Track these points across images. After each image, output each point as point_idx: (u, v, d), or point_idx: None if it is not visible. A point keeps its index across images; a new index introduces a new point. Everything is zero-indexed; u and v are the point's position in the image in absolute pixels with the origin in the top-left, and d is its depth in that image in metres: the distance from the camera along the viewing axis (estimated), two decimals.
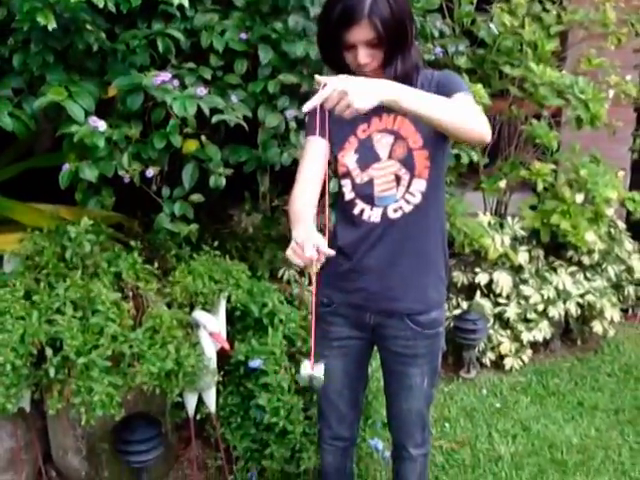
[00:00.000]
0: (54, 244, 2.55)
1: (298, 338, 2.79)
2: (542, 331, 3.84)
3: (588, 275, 4.02)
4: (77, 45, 2.33)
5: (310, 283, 3.31)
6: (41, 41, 2.32)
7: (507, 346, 3.82)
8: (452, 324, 3.75)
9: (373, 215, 2.01)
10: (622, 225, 4.28)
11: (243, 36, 2.62)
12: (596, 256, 4.00)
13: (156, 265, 2.67)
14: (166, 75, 2.31)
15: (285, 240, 3.51)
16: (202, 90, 2.37)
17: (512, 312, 3.80)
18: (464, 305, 3.83)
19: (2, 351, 2.26)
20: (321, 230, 1.81)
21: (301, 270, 3.44)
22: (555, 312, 3.83)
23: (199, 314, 2.56)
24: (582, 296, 3.92)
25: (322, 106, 2.07)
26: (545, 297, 3.82)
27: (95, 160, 2.36)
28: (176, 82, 2.41)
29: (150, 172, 2.43)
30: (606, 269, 4.09)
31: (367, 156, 1.99)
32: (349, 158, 2.01)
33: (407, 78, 1.90)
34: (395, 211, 2.00)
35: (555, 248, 4.06)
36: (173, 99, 2.30)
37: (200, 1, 2.63)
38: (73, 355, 2.29)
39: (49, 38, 2.31)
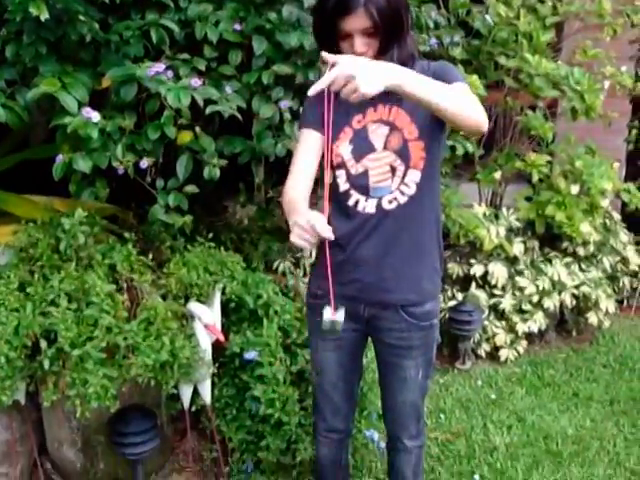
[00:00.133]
0: (48, 236, 2.54)
1: (293, 329, 2.79)
2: (537, 322, 3.85)
3: (583, 266, 4.03)
4: (70, 36, 2.32)
5: (305, 274, 3.31)
6: (34, 32, 2.31)
7: (502, 337, 3.83)
8: (447, 315, 3.76)
9: (368, 206, 2.01)
10: (617, 216, 4.29)
11: (237, 27, 2.60)
12: (591, 247, 4.01)
13: (151, 257, 2.66)
14: (160, 66, 2.30)
15: (280, 231, 3.51)
16: (196, 81, 2.36)
17: (507, 303, 3.81)
18: (459, 296, 3.83)
19: None
20: None
21: (296, 262, 3.44)
22: (550, 303, 3.84)
23: (194, 306, 2.56)
24: (577, 287, 3.93)
25: (320, 95, 2.08)
26: (540, 288, 3.82)
27: (89, 151, 2.34)
28: (170, 73, 2.40)
29: (144, 163, 2.42)
30: (601, 260, 4.10)
31: (362, 147, 1.99)
32: (344, 148, 2.00)
33: (404, 67, 1.90)
34: (390, 202, 1.99)
35: (550, 239, 4.07)
36: (167, 90, 2.29)
37: None
38: (67, 347, 2.29)
39: (42, 29, 2.30)
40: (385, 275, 2.05)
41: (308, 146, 2.02)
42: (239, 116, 2.49)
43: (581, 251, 4.00)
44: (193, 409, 2.75)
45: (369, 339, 2.25)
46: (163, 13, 2.54)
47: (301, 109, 2.60)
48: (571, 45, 4.02)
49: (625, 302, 4.56)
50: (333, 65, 1.67)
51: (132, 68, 2.35)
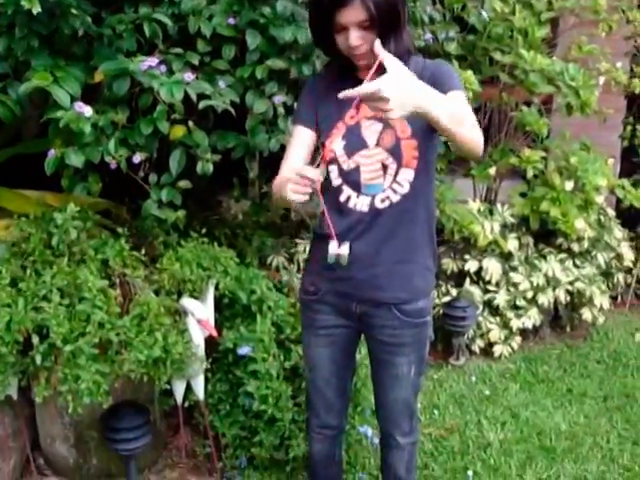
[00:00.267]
0: (40, 231, 2.53)
1: (287, 325, 2.78)
2: (531, 318, 3.85)
3: (577, 262, 4.03)
4: (63, 30, 2.30)
5: (299, 270, 3.30)
6: (26, 25, 2.29)
7: (496, 333, 3.83)
8: (441, 311, 3.76)
9: (359, 204, 2.00)
10: (612, 212, 4.29)
11: (231, 21, 2.59)
12: (586, 243, 4.00)
13: (143, 252, 2.65)
14: (153, 60, 2.29)
15: (274, 227, 3.51)
16: (189, 75, 2.35)
17: (501, 299, 3.80)
18: (453, 292, 3.83)
19: None
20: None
21: (290, 257, 3.44)
22: (544, 299, 3.84)
23: (187, 301, 2.55)
24: (571, 283, 3.92)
25: (313, 92, 2.07)
26: (534, 284, 3.82)
27: (81, 146, 2.33)
28: (163, 67, 2.39)
29: (137, 158, 2.41)
30: (595, 256, 4.09)
31: (354, 143, 1.98)
32: (336, 144, 1.99)
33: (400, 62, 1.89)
34: (382, 201, 1.98)
35: (545, 235, 4.06)
36: (160, 84, 2.28)
37: None
38: (60, 343, 2.28)
39: (34, 22, 2.28)
40: (377, 273, 2.04)
41: (300, 141, 2.03)
42: (232, 111, 2.48)
43: (575, 247, 4.00)
44: (186, 405, 2.74)
45: (362, 335, 2.24)
46: (156, 7, 2.52)
47: (295, 104, 2.59)
48: (566, 41, 4.02)
49: (619, 298, 4.56)
50: (376, 73, 1.65)
51: (125, 62, 2.33)
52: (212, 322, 2.62)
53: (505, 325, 3.84)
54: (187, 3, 2.56)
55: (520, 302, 3.83)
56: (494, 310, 3.84)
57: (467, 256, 3.85)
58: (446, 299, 3.79)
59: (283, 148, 2.48)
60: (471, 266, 3.82)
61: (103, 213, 2.87)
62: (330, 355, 2.22)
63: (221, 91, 2.48)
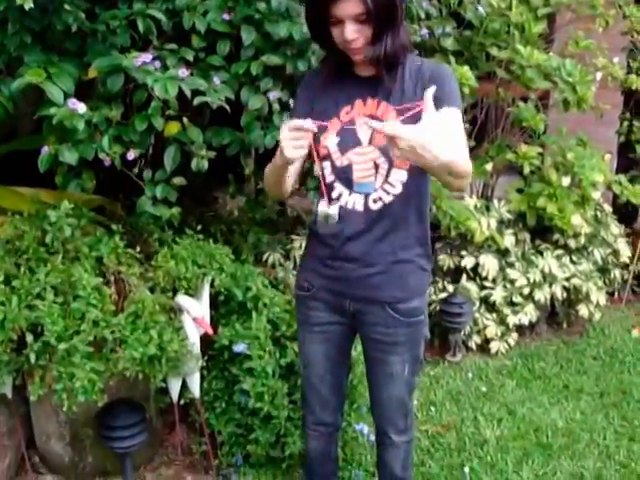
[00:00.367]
0: (34, 228, 2.51)
1: (282, 322, 2.77)
2: (528, 314, 3.84)
3: (574, 258, 4.02)
4: (55, 25, 2.28)
5: (295, 267, 3.29)
6: (18, 21, 2.27)
7: (493, 330, 3.82)
8: (438, 307, 3.75)
9: (351, 202, 1.99)
10: (608, 208, 4.28)
11: (226, 17, 2.57)
12: (582, 239, 3.99)
13: (138, 249, 2.64)
14: (147, 56, 2.27)
15: (270, 223, 3.49)
16: (184, 72, 2.33)
17: (498, 295, 3.79)
18: (450, 288, 3.82)
19: None
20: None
21: (286, 254, 3.42)
22: (541, 295, 3.83)
23: (182, 299, 2.54)
24: (568, 279, 3.92)
25: (310, 87, 2.05)
26: (531, 280, 3.81)
27: (75, 143, 2.31)
28: (157, 63, 2.37)
29: (131, 155, 2.39)
30: (592, 252, 4.09)
31: (348, 140, 1.96)
32: (330, 140, 1.98)
33: (394, 58, 1.88)
34: (375, 202, 1.97)
35: (541, 231, 4.05)
36: (154, 81, 2.26)
37: None
38: (54, 341, 2.26)
39: (26, 18, 2.26)
40: (371, 272, 2.03)
41: None
42: (227, 107, 2.47)
43: (572, 243, 3.99)
44: (182, 402, 2.74)
45: (357, 333, 2.23)
46: (151, 3, 2.50)
47: (291, 100, 2.58)
48: (563, 36, 4.00)
49: (616, 294, 4.56)
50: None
51: (118, 58, 2.31)
52: (207, 320, 2.61)
53: (502, 321, 3.83)
54: None
55: (516, 298, 3.82)
56: (490, 306, 3.83)
57: (464, 252, 3.84)
58: (443, 295, 3.78)
59: (278, 144, 2.47)
60: (468, 262, 3.81)
61: (97, 210, 2.85)
62: (324, 352, 2.21)
63: (216, 87, 2.46)
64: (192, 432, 2.98)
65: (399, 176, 1.94)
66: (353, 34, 1.83)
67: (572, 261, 4.01)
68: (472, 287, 3.81)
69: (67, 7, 2.22)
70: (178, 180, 2.55)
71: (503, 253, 3.89)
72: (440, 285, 3.84)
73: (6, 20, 2.29)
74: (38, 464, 2.84)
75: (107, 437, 2.58)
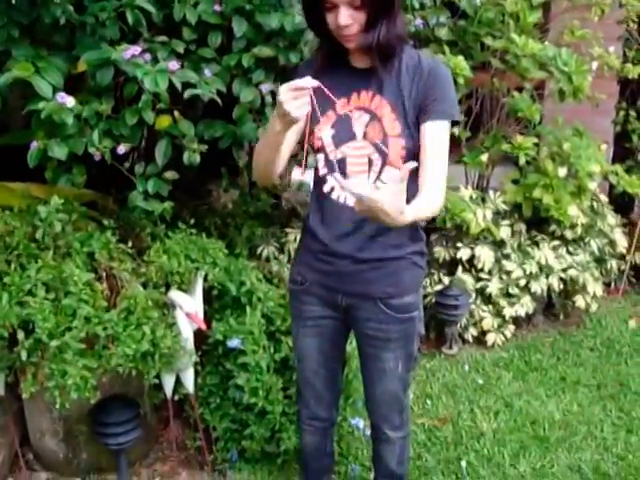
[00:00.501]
0: (25, 224, 2.48)
1: (277, 317, 2.75)
2: (524, 306, 3.83)
3: (570, 249, 4.00)
4: (44, 18, 2.25)
5: (289, 260, 3.27)
6: (5, 14, 2.23)
7: (489, 322, 3.80)
8: (434, 300, 3.73)
9: (342, 196, 1.97)
10: (605, 199, 4.25)
11: (217, 8, 2.54)
12: (579, 230, 3.97)
13: (130, 244, 2.61)
14: (136, 49, 2.24)
15: (264, 216, 3.47)
16: (174, 64, 2.30)
17: (494, 287, 3.77)
18: (446, 280, 3.80)
19: None
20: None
21: (281, 247, 3.40)
22: (537, 287, 3.81)
23: (175, 294, 2.51)
24: (564, 270, 3.90)
25: (303, 74, 2.01)
26: (527, 272, 3.79)
27: (64, 137, 2.28)
28: (148, 56, 2.34)
29: (121, 149, 2.37)
30: (589, 243, 4.07)
31: (343, 133, 1.94)
32: (325, 132, 1.95)
33: (390, 48, 1.85)
34: None
35: (537, 222, 4.03)
36: (144, 74, 2.23)
37: None
38: (45, 338, 2.23)
39: (14, 11, 2.22)
40: (364, 268, 2.01)
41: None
42: (218, 100, 2.44)
43: (568, 234, 3.97)
44: (176, 398, 2.71)
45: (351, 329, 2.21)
46: None
47: None
48: (558, 26, 3.97)
49: (612, 284, 4.54)
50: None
51: (107, 51, 2.28)
52: (201, 315, 2.59)
53: (498, 313, 3.82)
54: None
55: (513, 290, 3.80)
56: (487, 298, 3.81)
57: (459, 244, 3.81)
58: (438, 287, 3.75)
59: None
60: (463, 254, 3.79)
61: (89, 204, 2.82)
62: (318, 346, 2.19)
63: (207, 80, 2.43)
64: (187, 427, 2.97)
65: (392, 174, 1.90)
66: (347, 19, 1.79)
67: (568, 252, 3.99)
68: (468, 279, 3.79)
69: (55, 0, 2.18)
70: (170, 174, 2.52)
71: (499, 244, 3.87)
72: (436, 277, 3.82)
73: None
74: (32, 461, 2.83)
75: (101, 433, 2.56)
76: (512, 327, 3.89)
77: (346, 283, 2.05)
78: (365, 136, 1.92)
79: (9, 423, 2.69)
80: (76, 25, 2.38)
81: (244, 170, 3.25)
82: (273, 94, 2.60)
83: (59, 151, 2.28)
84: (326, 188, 1.99)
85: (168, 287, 2.56)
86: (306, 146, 1.82)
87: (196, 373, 2.69)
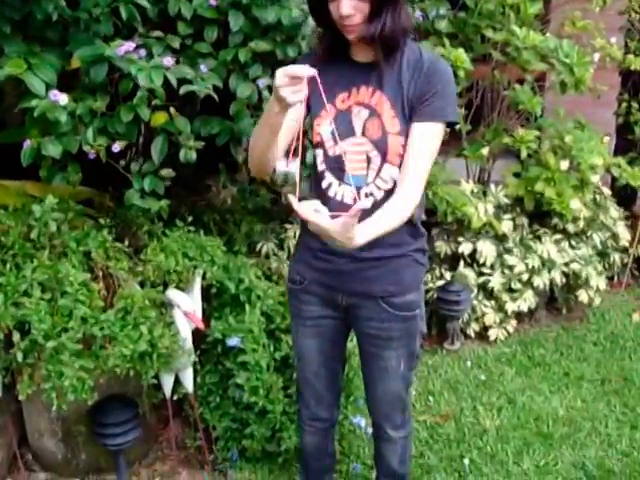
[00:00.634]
0: (20, 223, 2.45)
1: (277, 314, 2.73)
2: (527, 301, 3.79)
3: (573, 243, 3.97)
4: (36, 14, 2.21)
5: (289, 256, 3.23)
6: None
7: (491, 317, 3.77)
8: (435, 295, 3.69)
9: (340, 193, 1.93)
10: (607, 191, 4.21)
11: (212, 2, 2.50)
12: (581, 223, 3.93)
13: (127, 243, 2.58)
14: (130, 45, 2.20)
15: (263, 212, 3.43)
16: (169, 60, 2.26)
17: (496, 282, 3.74)
18: (447, 275, 3.76)
19: None
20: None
21: (280, 244, 3.36)
22: (540, 281, 3.78)
23: (173, 293, 2.48)
24: (567, 265, 3.86)
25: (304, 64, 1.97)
26: (530, 266, 3.76)
27: (58, 136, 2.25)
28: (143, 52, 2.31)
29: (116, 147, 2.33)
30: (591, 236, 4.03)
31: (343, 129, 1.89)
32: (324, 127, 1.91)
33: (394, 40, 1.80)
34: (367, 196, 1.90)
35: (539, 216, 3.99)
36: (138, 70, 2.19)
37: None
38: (41, 339, 2.21)
39: (5, 7, 2.18)
40: (364, 266, 1.98)
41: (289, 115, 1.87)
42: (215, 96, 2.40)
43: (571, 227, 3.93)
44: (175, 398, 2.69)
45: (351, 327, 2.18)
46: None
47: None
48: (559, 17, 3.93)
49: (615, 278, 4.50)
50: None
51: (101, 47, 2.24)
52: (199, 314, 2.56)
53: (500, 308, 3.78)
54: None
55: (515, 285, 3.77)
56: (489, 293, 3.77)
57: (461, 238, 3.78)
58: (440, 283, 3.72)
59: None
60: (465, 249, 3.75)
61: (86, 202, 2.79)
62: (317, 346, 2.16)
63: (203, 75, 2.40)
64: (187, 426, 2.94)
65: (391, 173, 1.87)
66: (349, 9, 1.74)
67: (571, 246, 3.95)
68: (470, 274, 3.76)
69: None
70: (166, 172, 2.48)
71: (501, 239, 3.83)
72: (437, 272, 3.79)
73: None
74: (31, 461, 2.80)
75: (100, 434, 2.54)
76: (514, 322, 3.86)
77: (346, 282, 2.01)
78: (364, 132, 1.88)
79: (7, 423, 2.67)
80: (69, 21, 2.34)
81: (242, 166, 3.22)
82: (270, 89, 2.54)
83: (53, 149, 2.24)
84: (324, 184, 1.95)
85: (166, 286, 2.53)
86: (301, 135, 1.76)
87: (195, 372, 2.67)
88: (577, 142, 3.79)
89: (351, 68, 1.90)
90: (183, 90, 2.32)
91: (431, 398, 3.32)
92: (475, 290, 3.75)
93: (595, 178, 3.91)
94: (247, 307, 2.67)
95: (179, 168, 2.55)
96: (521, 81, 3.76)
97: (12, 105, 2.57)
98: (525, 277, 3.77)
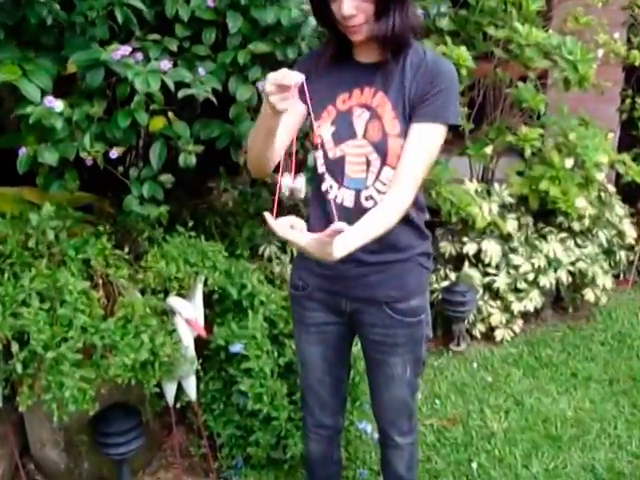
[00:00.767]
0: (18, 231, 2.41)
1: (280, 319, 2.69)
2: (533, 301, 3.75)
3: (579, 241, 3.92)
4: (29, 19, 2.16)
5: (292, 260, 3.19)
6: None
7: (497, 317, 3.73)
8: (440, 296, 3.66)
9: (340, 196, 1.89)
10: (612, 189, 4.17)
11: (210, 3, 2.45)
12: (586, 222, 3.89)
13: (127, 250, 2.54)
14: (126, 49, 2.15)
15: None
16: (166, 64, 2.22)
17: (502, 282, 3.70)
18: (452, 276, 3.73)
19: None
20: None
21: (283, 247, 3.32)
22: (546, 281, 3.74)
23: (174, 300, 2.44)
24: (573, 264, 3.82)
25: (305, 70, 1.93)
26: (535, 266, 3.72)
27: (54, 142, 2.20)
28: (140, 55, 2.26)
29: (114, 153, 2.29)
30: (597, 234, 3.99)
31: (344, 130, 1.85)
32: (325, 129, 1.87)
33: (402, 39, 1.76)
34: (367, 199, 1.87)
35: (544, 214, 3.95)
36: (135, 74, 2.14)
37: None
38: (41, 349, 2.17)
39: None
40: (367, 271, 1.94)
41: (288, 114, 1.82)
42: (214, 99, 2.36)
43: (576, 226, 3.88)
44: (179, 405, 2.65)
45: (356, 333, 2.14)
46: None
47: None
48: (561, 13, 3.89)
49: (622, 276, 4.46)
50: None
51: (97, 52, 2.20)
52: (201, 321, 2.52)
53: (506, 308, 3.74)
54: None
55: (521, 284, 3.73)
56: (494, 293, 3.73)
57: (465, 238, 3.74)
58: (445, 284, 3.68)
59: None
60: (470, 249, 3.71)
61: (85, 207, 2.75)
62: (321, 353, 2.12)
63: (202, 78, 2.35)
64: (191, 433, 2.91)
65: (391, 175, 1.83)
66: (351, 9, 1.70)
67: (577, 244, 3.91)
68: (475, 274, 3.72)
69: None
70: (165, 177, 2.44)
71: (506, 238, 3.79)
72: (442, 273, 3.75)
73: None
74: (33, 471, 2.77)
75: (102, 444, 2.51)
76: (520, 322, 3.82)
77: (350, 287, 1.97)
78: (365, 134, 1.83)
79: (8, 433, 2.63)
80: (64, 25, 2.30)
81: (243, 169, 3.18)
82: None
83: (49, 157, 2.20)
84: (324, 187, 1.91)
85: (167, 293, 2.49)
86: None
87: (198, 379, 2.63)
88: (581, 139, 3.75)
89: (353, 69, 1.86)
90: (181, 94, 2.28)
91: (437, 401, 3.28)
92: (480, 290, 3.71)
93: (600, 176, 3.87)
94: (250, 313, 2.63)
95: (177, 173, 2.51)
96: (523, 78, 3.71)
97: (10, 110, 2.53)
98: (531, 277, 3.73)
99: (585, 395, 3.32)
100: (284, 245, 3.33)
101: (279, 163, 1.80)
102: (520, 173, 3.91)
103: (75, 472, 2.68)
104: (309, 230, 1.71)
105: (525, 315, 3.85)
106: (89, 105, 2.29)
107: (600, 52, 3.75)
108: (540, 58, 3.37)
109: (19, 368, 2.21)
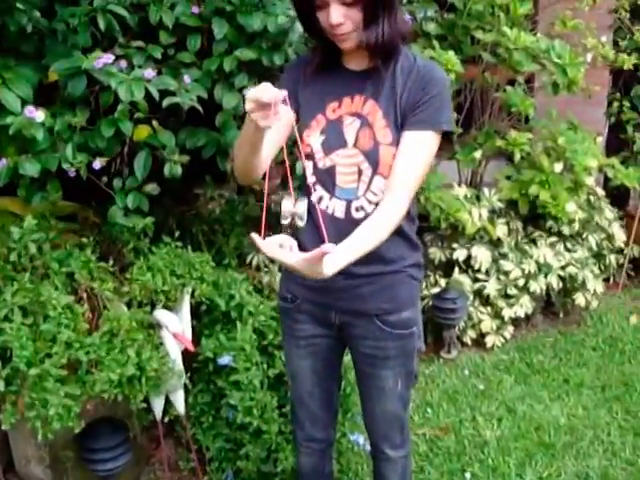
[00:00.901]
0: None
1: (269, 330, 2.64)
2: (523, 306, 3.72)
3: (569, 245, 3.90)
4: (9, 26, 2.11)
5: (280, 269, 3.14)
6: None
7: (488, 323, 3.70)
8: (430, 303, 3.62)
9: (331, 207, 1.84)
10: (601, 192, 4.15)
11: (195, 10, 2.42)
12: (576, 226, 3.86)
13: (112, 262, 2.48)
14: (108, 57, 2.10)
15: (253, 223, 3.34)
16: (150, 72, 2.16)
17: (492, 288, 3.67)
18: (442, 282, 3.69)
19: None
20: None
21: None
22: (536, 286, 3.71)
23: (160, 313, 2.39)
24: (563, 268, 3.79)
25: (294, 74, 1.88)
26: (526, 271, 3.69)
27: (36, 153, 2.15)
28: (123, 63, 2.22)
29: (97, 165, 2.23)
30: (587, 238, 3.97)
31: (334, 140, 1.81)
32: (314, 138, 1.83)
33: (392, 46, 1.72)
34: (357, 210, 1.82)
35: (533, 218, 3.92)
36: (118, 83, 2.10)
37: None
38: (23, 366, 2.11)
39: None
40: (357, 283, 1.89)
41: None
42: (199, 107, 2.31)
43: (566, 230, 3.86)
44: (167, 419, 2.60)
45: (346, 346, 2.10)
46: None
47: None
48: (548, 17, 3.86)
49: (612, 279, 4.44)
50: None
51: (79, 60, 2.14)
52: (188, 334, 2.47)
53: (497, 315, 3.71)
54: None
55: (511, 290, 3.69)
56: (484, 300, 3.70)
57: (455, 245, 3.70)
58: (435, 290, 3.64)
59: None
60: (459, 255, 3.68)
61: (69, 217, 2.69)
62: (311, 366, 2.08)
63: (187, 86, 2.30)
64: (179, 447, 2.87)
65: (382, 185, 1.79)
66: (338, 18, 1.66)
67: (567, 249, 3.88)
68: (465, 280, 3.68)
69: (19, 6, 2.04)
70: (151, 187, 2.39)
71: (495, 244, 3.76)
72: (432, 279, 3.71)
73: None
74: None
75: (89, 460, 2.47)
76: (511, 328, 3.79)
77: (339, 299, 1.93)
78: (356, 143, 1.79)
79: None
80: (45, 32, 2.25)
81: (230, 178, 3.14)
82: None
83: (31, 168, 2.14)
84: (314, 197, 1.86)
85: (153, 306, 2.44)
86: (287, 163, 1.67)
87: (186, 392, 2.58)
88: (570, 144, 3.72)
89: (343, 77, 1.82)
90: (166, 102, 2.23)
91: (429, 410, 3.24)
92: (471, 297, 3.67)
93: (589, 180, 3.85)
94: (238, 324, 2.58)
95: (163, 183, 2.46)
96: (511, 82, 3.69)
97: None
98: (521, 282, 3.70)
99: (578, 401, 3.28)
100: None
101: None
102: (509, 177, 3.88)
103: None
104: (299, 245, 1.68)
105: (516, 321, 3.82)
106: (71, 114, 2.23)
107: (589, 56, 3.73)
108: (529, 62, 3.34)
109: (1, 386, 2.14)
